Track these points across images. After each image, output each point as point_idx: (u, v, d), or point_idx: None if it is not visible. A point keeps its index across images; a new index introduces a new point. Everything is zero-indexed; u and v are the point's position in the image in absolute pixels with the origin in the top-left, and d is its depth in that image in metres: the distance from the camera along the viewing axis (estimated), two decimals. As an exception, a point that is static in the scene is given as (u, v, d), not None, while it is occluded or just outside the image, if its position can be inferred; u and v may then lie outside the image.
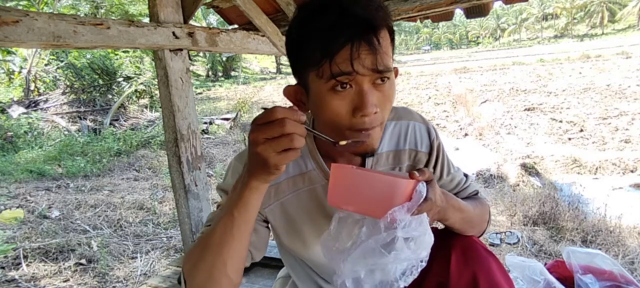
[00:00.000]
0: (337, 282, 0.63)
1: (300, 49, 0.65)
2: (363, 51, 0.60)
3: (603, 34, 52.88)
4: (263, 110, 0.55)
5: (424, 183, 0.63)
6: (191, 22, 1.97)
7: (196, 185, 2.02)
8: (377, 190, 0.61)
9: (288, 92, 0.73)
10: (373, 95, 0.63)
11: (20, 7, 7.34)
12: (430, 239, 0.63)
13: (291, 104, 0.70)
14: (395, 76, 0.69)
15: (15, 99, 9.55)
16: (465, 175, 0.92)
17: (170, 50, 1.86)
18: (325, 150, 0.79)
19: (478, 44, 76.52)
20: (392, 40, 0.66)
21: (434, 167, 0.85)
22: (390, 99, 0.67)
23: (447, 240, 0.79)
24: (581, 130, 8.10)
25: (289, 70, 0.75)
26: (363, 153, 0.68)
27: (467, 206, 0.79)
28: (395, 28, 0.68)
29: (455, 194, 0.87)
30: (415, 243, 0.61)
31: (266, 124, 0.54)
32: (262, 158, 0.55)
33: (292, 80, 0.77)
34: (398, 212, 0.59)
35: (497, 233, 3.23)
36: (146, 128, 8.50)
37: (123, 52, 10.83)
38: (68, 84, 9.64)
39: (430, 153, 0.84)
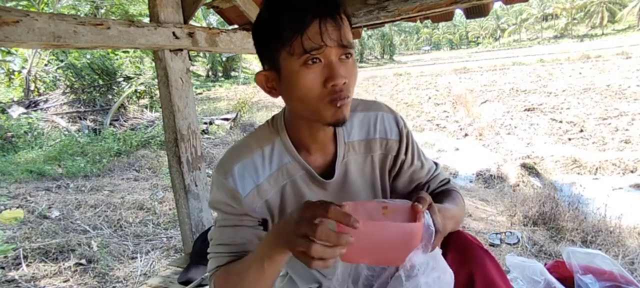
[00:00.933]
0: None
1: (272, 31, 0.70)
2: (329, 26, 0.67)
3: (603, 34, 52.85)
4: (323, 203, 0.59)
5: (428, 213, 0.64)
6: (191, 22, 1.98)
7: (196, 185, 2.02)
8: (388, 241, 0.60)
9: (260, 79, 0.76)
10: (340, 67, 0.69)
11: (20, 7, 7.35)
12: (450, 278, 0.64)
13: (265, 90, 0.76)
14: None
15: (15, 99, 9.54)
16: (435, 164, 0.96)
17: (171, 51, 1.86)
18: (299, 141, 0.82)
19: (478, 44, 76.49)
20: (350, 25, 0.74)
21: (405, 154, 0.88)
22: (354, 74, 0.73)
23: (443, 239, 0.80)
24: (581, 131, 8.10)
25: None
26: (334, 123, 0.71)
27: (455, 208, 0.82)
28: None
29: (426, 182, 0.91)
30: (438, 284, 0.61)
31: (309, 219, 0.58)
32: (288, 232, 0.61)
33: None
34: (415, 256, 0.59)
35: (497, 233, 3.23)
36: (146, 128, 8.49)
37: (123, 52, 10.78)
38: (68, 84, 9.63)
39: (400, 141, 0.88)
